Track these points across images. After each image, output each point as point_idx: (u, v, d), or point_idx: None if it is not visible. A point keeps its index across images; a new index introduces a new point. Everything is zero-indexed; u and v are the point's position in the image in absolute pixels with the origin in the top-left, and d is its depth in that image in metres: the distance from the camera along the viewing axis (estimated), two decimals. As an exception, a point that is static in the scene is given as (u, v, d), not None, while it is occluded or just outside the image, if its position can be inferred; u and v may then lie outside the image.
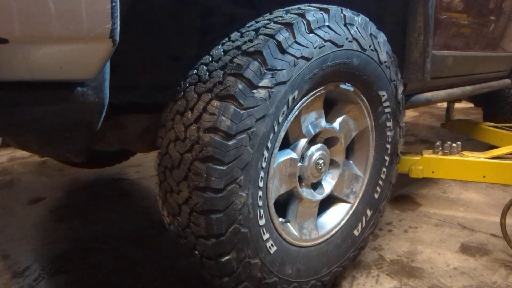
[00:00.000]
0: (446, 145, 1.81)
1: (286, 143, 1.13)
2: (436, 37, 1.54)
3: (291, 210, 1.22)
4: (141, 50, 1.20)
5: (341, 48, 1.09)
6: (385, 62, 1.25)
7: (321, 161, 1.22)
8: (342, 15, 1.10)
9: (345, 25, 1.11)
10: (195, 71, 1.02)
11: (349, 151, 1.37)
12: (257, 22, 1.04)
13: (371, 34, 1.19)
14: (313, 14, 1.04)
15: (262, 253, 1.06)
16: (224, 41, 1.03)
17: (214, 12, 1.29)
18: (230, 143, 0.92)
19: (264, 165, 1.01)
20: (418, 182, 2.31)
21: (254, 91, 0.93)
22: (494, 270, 1.48)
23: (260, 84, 0.94)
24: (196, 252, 1.02)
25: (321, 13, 1.06)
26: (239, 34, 1.02)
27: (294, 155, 1.14)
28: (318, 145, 1.21)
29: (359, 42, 1.14)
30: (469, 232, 1.78)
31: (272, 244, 1.09)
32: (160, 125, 1.06)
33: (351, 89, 1.21)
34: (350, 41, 1.11)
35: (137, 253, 1.62)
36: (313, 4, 1.10)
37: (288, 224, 1.21)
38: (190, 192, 0.95)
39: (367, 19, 1.19)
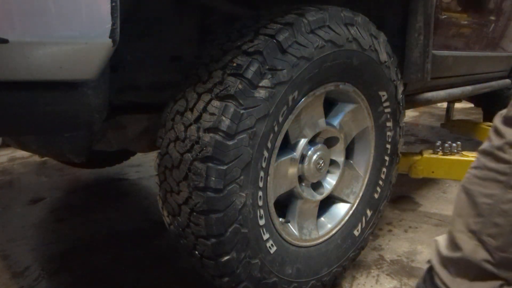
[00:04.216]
0: (446, 145, 1.81)
1: (286, 143, 1.13)
2: (436, 37, 1.54)
3: (291, 210, 1.22)
4: (141, 50, 1.20)
5: (341, 48, 1.09)
6: (385, 62, 1.25)
7: (321, 161, 1.22)
8: (342, 15, 1.10)
9: (345, 25, 1.11)
10: (195, 71, 1.02)
11: (349, 151, 1.37)
12: (257, 22, 1.03)
13: (371, 34, 1.19)
14: (313, 14, 1.04)
15: (262, 253, 1.06)
16: (224, 41, 1.03)
17: (214, 12, 1.29)
18: (230, 143, 0.92)
19: (264, 165, 1.01)
20: (418, 182, 2.31)
21: (254, 91, 0.93)
22: (494, 270, 1.48)
23: (260, 84, 0.94)
24: (196, 252, 1.02)
25: (321, 13, 1.06)
26: (239, 34, 1.02)
27: (294, 155, 1.14)
28: (318, 145, 1.21)
29: (359, 42, 1.14)
30: (469, 232, 1.78)
31: (272, 244, 1.09)
32: (160, 125, 1.06)
33: (351, 89, 1.21)
34: (350, 41, 1.11)
35: (137, 253, 1.62)
36: (313, 4, 1.10)
37: (288, 224, 1.21)
38: (190, 192, 0.95)
39: (367, 19, 1.19)
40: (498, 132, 1.04)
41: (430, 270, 1.19)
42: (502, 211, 1.03)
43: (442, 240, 1.16)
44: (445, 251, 1.12)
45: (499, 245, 1.04)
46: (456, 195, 1.14)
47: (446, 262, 1.12)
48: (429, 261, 1.20)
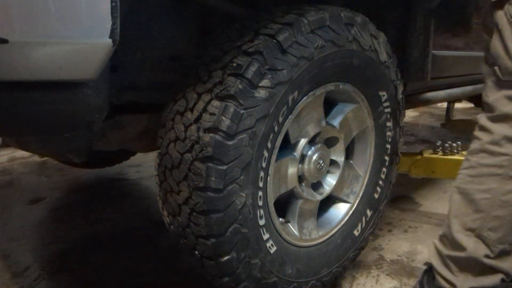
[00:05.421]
0: (446, 145, 1.81)
1: (286, 143, 1.13)
2: (436, 37, 1.54)
3: (291, 210, 1.22)
4: (141, 50, 1.20)
5: (341, 48, 1.09)
6: (385, 62, 1.25)
7: (321, 161, 1.21)
8: (342, 15, 1.10)
9: (345, 25, 1.11)
10: (195, 71, 1.02)
11: (349, 151, 1.37)
12: (257, 22, 1.03)
13: (371, 34, 1.19)
14: (313, 14, 1.04)
15: (262, 253, 1.06)
16: (224, 41, 1.03)
17: (213, 12, 1.29)
18: (230, 143, 0.92)
19: (264, 165, 1.01)
20: (418, 182, 2.31)
21: (254, 91, 0.93)
22: (494, 270, 1.48)
23: (260, 84, 0.94)
24: (196, 252, 1.02)
25: (321, 13, 1.06)
26: (239, 34, 1.02)
27: (294, 155, 1.14)
28: (318, 145, 1.21)
29: (359, 42, 1.14)
30: (469, 232, 1.78)
31: (272, 244, 1.09)
32: (160, 125, 1.06)
33: (351, 89, 1.21)
34: (350, 41, 1.11)
35: (137, 253, 1.62)
36: (313, 4, 1.10)
37: (288, 224, 1.21)
38: (190, 192, 0.95)
39: (367, 19, 1.19)
40: (486, 130, 1.08)
41: (429, 271, 1.20)
42: (502, 203, 1.05)
43: (439, 242, 1.18)
44: (446, 251, 1.13)
45: (499, 236, 1.07)
46: (449, 198, 1.15)
47: (447, 261, 1.13)
48: (426, 263, 1.21)
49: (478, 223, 1.07)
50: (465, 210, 1.10)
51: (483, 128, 1.09)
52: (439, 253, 1.16)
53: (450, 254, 1.12)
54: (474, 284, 1.10)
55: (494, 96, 1.06)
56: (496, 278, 1.10)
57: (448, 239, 1.14)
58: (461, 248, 1.09)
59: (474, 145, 1.11)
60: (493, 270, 1.09)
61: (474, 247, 1.08)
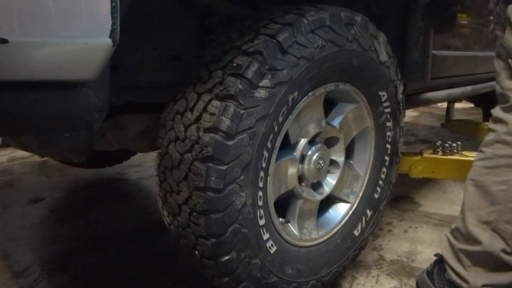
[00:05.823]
0: (446, 145, 1.81)
1: (286, 143, 1.13)
2: (436, 37, 1.54)
3: (291, 210, 1.22)
4: (141, 50, 1.20)
5: (341, 48, 1.09)
6: (385, 62, 1.25)
7: (321, 161, 1.22)
8: (342, 15, 1.10)
9: (345, 25, 1.11)
10: (195, 71, 1.02)
11: (349, 151, 1.37)
12: (257, 22, 1.03)
13: (371, 34, 1.19)
14: (313, 14, 1.04)
15: (262, 253, 1.06)
16: (224, 41, 1.03)
17: (213, 12, 1.29)
18: (230, 143, 0.92)
19: (264, 165, 1.01)
20: (418, 182, 2.31)
21: (254, 91, 0.93)
22: (494, 270, 1.48)
23: (260, 84, 0.94)
24: (196, 252, 1.02)
25: (321, 13, 1.06)
26: (239, 34, 1.02)
27: (294, 155, 1.14)
28: (318, 145, 1.21)
29: (359, 42, 1.14)
30: (469, 232, 1.78)
31: (272, 244, 1.09)
32: (160, 125, 1.06)
33: (351, 89, 1.21)
34: (350, 41, 1.11)
35: (137, 253, 1.62)
36: (313, 4, 1.10)
37: (288, 224, 1.21)
38: (190, 192, 0.95)
39: (367, 19, 1.19)
40: (501, 121, 1.06)
41: (440, 262, 1.17)
42: None
43: (451, 235, 1.15)
44: (459, 245, 1.11)
45: None
46: (464, 190, 1.13)
47: (460, 255, 1.11)
48: (436, 255, 1.19)
49: (494, 215, 1.04)
50: (481, 202, 1.07)
51: (497, 120, 1.07)
52: (451, 246, 1.13)
53: (464, 248, 1.09)
54: (487, 280, 1.07)
55: (508, 86, 1.05)
56: (510, 276, 1.07)
57: (461, 233, 1.11)
58: (476, 242, 1.06)
59: (489, 137, 1.09)
60: (507, 267, 1.06)
61: (490, 241, 1.05)
